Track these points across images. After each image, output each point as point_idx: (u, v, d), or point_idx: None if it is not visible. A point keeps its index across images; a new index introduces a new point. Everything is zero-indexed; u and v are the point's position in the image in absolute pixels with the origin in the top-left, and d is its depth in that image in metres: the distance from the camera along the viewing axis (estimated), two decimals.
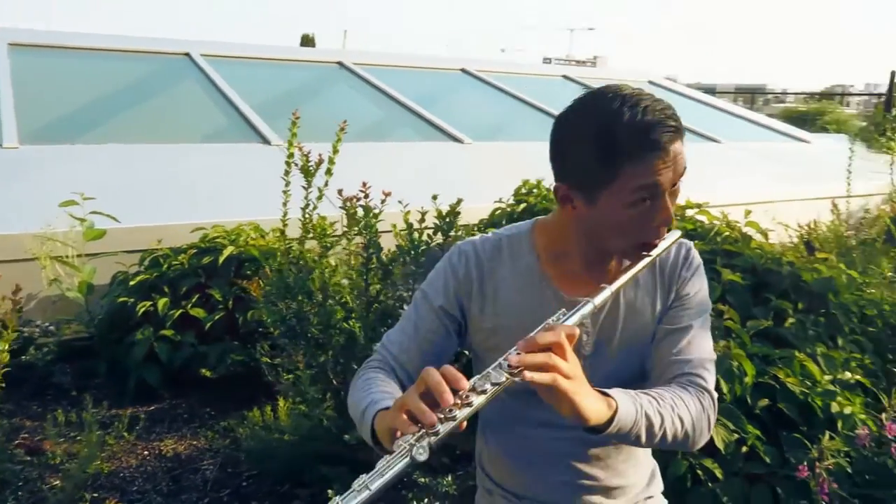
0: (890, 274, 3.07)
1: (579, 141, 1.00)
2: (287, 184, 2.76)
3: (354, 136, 2.89)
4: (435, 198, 2.57)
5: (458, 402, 0.84)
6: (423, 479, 1.93)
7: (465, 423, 0.84)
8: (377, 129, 5.91)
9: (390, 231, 2.60)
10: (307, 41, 38.27)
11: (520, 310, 1.14)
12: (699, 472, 2.13)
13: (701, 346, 1.13)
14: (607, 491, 1.20)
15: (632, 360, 1.16)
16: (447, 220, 2.18)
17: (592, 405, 0.91)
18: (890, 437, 2.01)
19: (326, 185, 2.76)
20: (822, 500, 1.94)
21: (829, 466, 1.95)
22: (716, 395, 1.11)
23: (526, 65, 9.89)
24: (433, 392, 0.84)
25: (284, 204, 2.76)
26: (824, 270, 2.79)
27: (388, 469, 0.80)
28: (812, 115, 11.93)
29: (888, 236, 4.07)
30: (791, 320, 2.59)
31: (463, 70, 7.71)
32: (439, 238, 2.34)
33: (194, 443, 2.70)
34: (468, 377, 0.88)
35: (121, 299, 3.02)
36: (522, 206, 3.69)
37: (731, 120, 8.25)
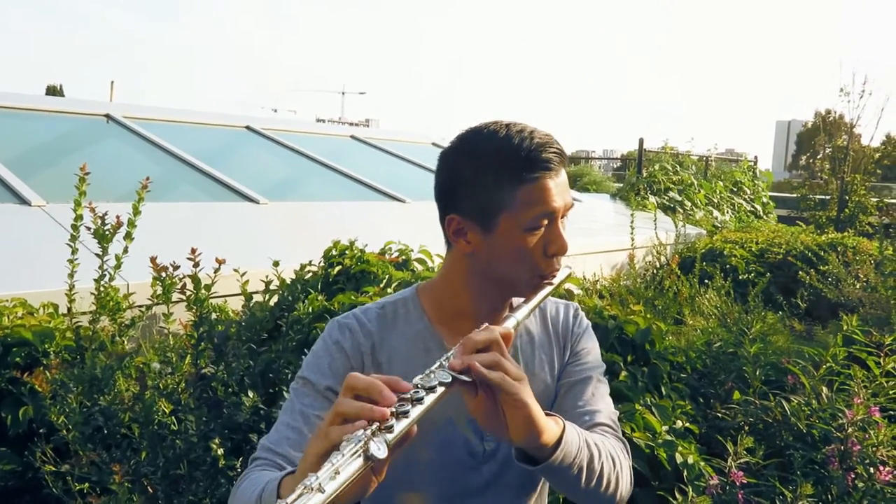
0: (691, 322, 3.31)
1: (476, 167, 1.00)
2: (74, 251, 2.32)
3: (132, 195, 2.49)
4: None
5: (407, 397, 0.73)
6: None
7: (415, 428, 0.74)
8: (160, 188, 5.35)
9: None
10: (53, 92, 34.97)
11: None
12: None
13: (605, 398, 1.11)
14: None
15: None
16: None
17: (545, 419, 0.86)
18: (737, 484, 2.08)
19: (126, 251, 2.37)
20: None
21: None
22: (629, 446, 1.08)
23: (311, 123, 9.76)
24: (368, 394, 0.73)
25: (71, 276, 2.31)
26: (642, 322, 2.91)
27: (343, 467, 0.65)
28: (573, 176, 13.16)
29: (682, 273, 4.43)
30: (623, 374, 2.65)
31: (248, 128, 7.36)
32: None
33: None
34: None
35: None
36: (337, 268, 3.51)
37: None
